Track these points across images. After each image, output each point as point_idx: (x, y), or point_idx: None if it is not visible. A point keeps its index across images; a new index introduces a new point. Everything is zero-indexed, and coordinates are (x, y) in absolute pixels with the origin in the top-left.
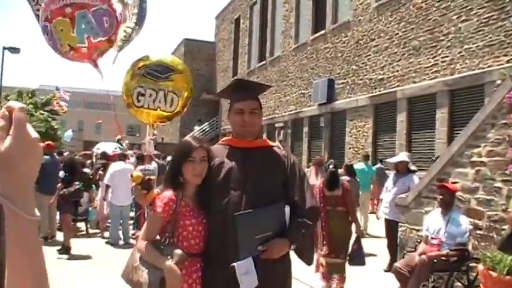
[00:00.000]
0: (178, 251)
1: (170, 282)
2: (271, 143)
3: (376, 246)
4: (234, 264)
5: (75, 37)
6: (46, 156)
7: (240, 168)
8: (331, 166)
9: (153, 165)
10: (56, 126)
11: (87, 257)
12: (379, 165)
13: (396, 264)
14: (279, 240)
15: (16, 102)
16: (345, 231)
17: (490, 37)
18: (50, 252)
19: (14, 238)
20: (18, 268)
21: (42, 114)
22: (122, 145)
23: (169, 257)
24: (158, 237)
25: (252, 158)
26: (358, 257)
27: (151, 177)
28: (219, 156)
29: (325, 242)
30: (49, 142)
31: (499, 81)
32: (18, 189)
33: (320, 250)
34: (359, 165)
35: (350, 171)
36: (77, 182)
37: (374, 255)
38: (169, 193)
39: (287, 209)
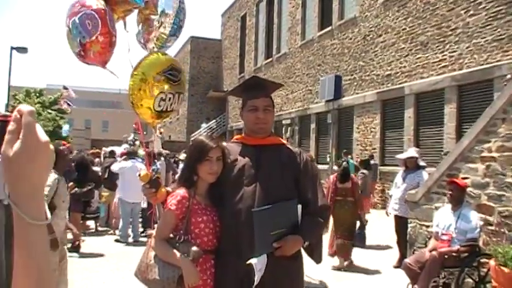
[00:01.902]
0: (195, 248)
1: (188, 280)
2: (283, 141)
3: (386, 243)
4: (251, 261)
5: (73, 43)
6: None
7: (253, 165)
8: (344, 163)
9: (158, 164)
10: (63, 125)
11: (98, 255)
12: (372, 161)
13: (406, 260)
14: (293, 237)
15: (26, 106)
16: (353, 218)
17: (499, 31)
18: None
19: (20, 242)
20: (25, 270)
21: (50, 113)
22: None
23: (185, 254)
24: (171, 235)
25: (264, 155)
26: (360, 240)
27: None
28: (233, 154)
29: (334, 228)
30: (64, 142)
31: (509, 76)
32: (26, 194)
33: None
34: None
35: (365, 165)
36: (89, 183)
37: (383, 249)
38: (182, 191)
39: (299, 206)
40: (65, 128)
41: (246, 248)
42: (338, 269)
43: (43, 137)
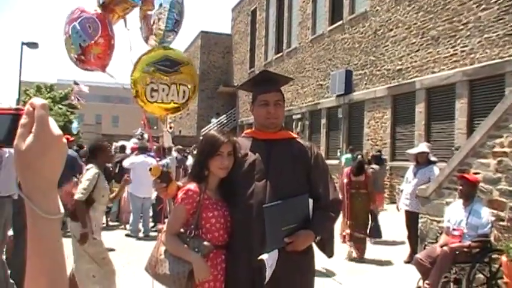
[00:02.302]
0: (206, 243)
1: (199, 275)
2: (294, 135)
3: (396, 238)
4: (262, 257)
5: (73, 49)
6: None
7: (263, 159)
8: (359, 157)
9: (168, 159)
10: (73, 120)
11: (109, 250)
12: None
13: (417, 255)
14: (304, 232)
15: (39, 99)
16: (366, 209)
17: (511, 26)
18: (71, 245)
19: (34, 236)
20: (37, 266)
21: (61, 108)
22: (142, 137)
23: (196, 249)
24: (182, 230)
25: (275, 149)
26: (376, 232)
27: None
28: (243, 149)
29: (347, 219)
30: (67, 136)
31: None
32: (39, 187)
33: (345, 224)
34: (347, 156)
35: (377, 161)
36: None
37: (394, 244)
38: (192, 185)
39: (310, 200)
40: (74, 125)
41: (257, 244)
42: (350, 259)
43: (56, 130)
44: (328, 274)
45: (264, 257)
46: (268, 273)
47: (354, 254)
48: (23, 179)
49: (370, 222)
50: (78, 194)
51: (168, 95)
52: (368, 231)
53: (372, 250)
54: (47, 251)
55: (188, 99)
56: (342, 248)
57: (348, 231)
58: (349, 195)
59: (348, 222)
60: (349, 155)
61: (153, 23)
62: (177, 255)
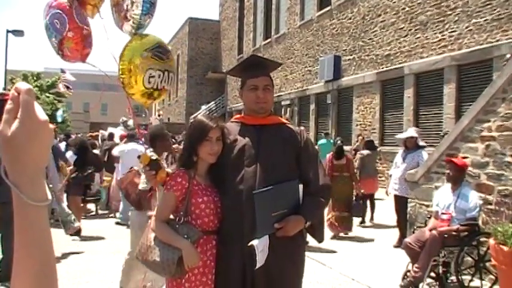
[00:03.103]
0: (195, 229)
1: (188, 261)
2: (284, 120)
3: (385, 222)
4: (253, 243)
5: (52, 45)
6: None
7: (253, 144)
8: (338, 142)
9: None
10: (59, 108)
11: (99, 238)
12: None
13: (406, 239)
14: (294, 218)
15: (23, 83)
16: (349, 191)
17: (498, 11)
18: (61, 234)
19: (21, 226)
20: (25, 257)
21: (48, 97)
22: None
23: (185, 235)
24: (172, 216)
25: (265, 134)
26: (357, 210)
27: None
28: (232, 134)
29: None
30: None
31: (508, 55)
32: (26, 174)
33: (329, 208)
34: (322, 141)
35: (370, 146)
36: (89, 166)
37: (383, 228)
38: (181, 172)
39: (300, 186)
40: (59, 113)
41: (248, 229)
42: (335, 237)
43: (42, 116)
44: (318, 259)
45: (255, 242)
46: (259, 259)
47: (342, 234)
48: (9, 166)
49: (354, 201)
50: (143, 184)
51: (162, 82)
52: (350, 210)
53: (362, 234)
54: (35, 240)
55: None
56: (331, 233)
57: (331, 215)
58: (332, 178)
59: (332, 204)
60: (324, 140)
61: (127, 9)
62: (166, 242)
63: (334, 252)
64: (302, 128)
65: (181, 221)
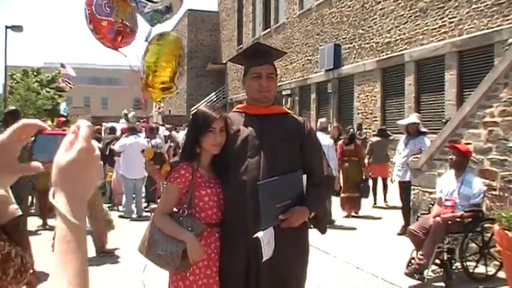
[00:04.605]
0: (199, 222)
1: (193, 254)
2: (287, 110)
3: (390, 210)
4: (257, 235)
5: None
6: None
7: (256, 135)
8: (351, 130)
9: (158, 138)
10: (60, 102)
11: None
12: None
13: (410, 227)
14: (299, 209)
15: (83, 121)
16: (357, 174)
17: None
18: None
19: (70, 247)
20: (74, 276)
21: (48, 91)
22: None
23: (189, 228)
24: (175, 209)
25: (268, 124)
26: (365, 192)
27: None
28: (235, 124)
29: (342, 184)
30: (61, 118)
31: (510, 40)
32: (76, 201)
33: (341, 190)
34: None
35: (381, 133)
36: None
37: (387, 216)
38: (185, 164)
39: (303, 176)
40: (62, 106)
41: (251, 220)
42: (348, 216)
43: (96, 151)
44: (322, 248)
45: (259, 234)
46: (266, 252)
47: (353, 213)
48: (58, 192)
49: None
50: None
51: (179, 79)
52: (358, 191)
53: (366, 223)
54: (82, 259)
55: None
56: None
57: (343, 195)
58: (342, 162)
59: (342, 185)
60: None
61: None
62: (170, 235)
63: (339, 240)
64: (305, 118)
65: (185, 214)
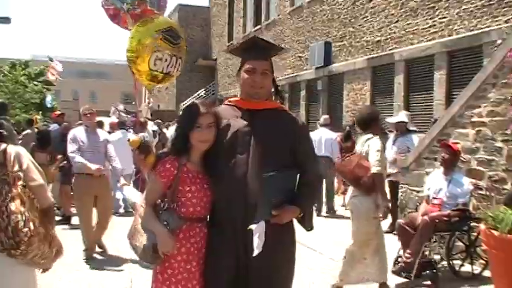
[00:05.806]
0: (176, 217)
1: (162, 248)
2: (280, 105)
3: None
4: (251, 227)
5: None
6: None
7: (247, 130)
8: (347, 128)
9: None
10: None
11: None
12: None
13: (400, 220)
14: (291, 208)
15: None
16: None
17: None
18: (59, 230)
19: None
20: None
21: (36, 85)
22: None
23: (165, 222)
24: (159, 201)
25: (259, 120)
26: None
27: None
28: (226, 118)
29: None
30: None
31: (499, 41)
32: None
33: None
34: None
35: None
36: None
37: None
38: (171, 158)
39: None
40: (48, 99)
41: (240, 217)
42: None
43: None
44: (309, 245)
45: (253, 227)
46: (257, 245)
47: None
48: None
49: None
50: (376, 166)
51: (169, 66)
52: None
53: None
54: None
55: (179, 72)
56: (321, 219)
57: (343, 188)
58: (342, 157)
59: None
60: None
61: None
62: (147, 227)
63: (325, 237)
64: (298, 115)
65: (165, 208)
